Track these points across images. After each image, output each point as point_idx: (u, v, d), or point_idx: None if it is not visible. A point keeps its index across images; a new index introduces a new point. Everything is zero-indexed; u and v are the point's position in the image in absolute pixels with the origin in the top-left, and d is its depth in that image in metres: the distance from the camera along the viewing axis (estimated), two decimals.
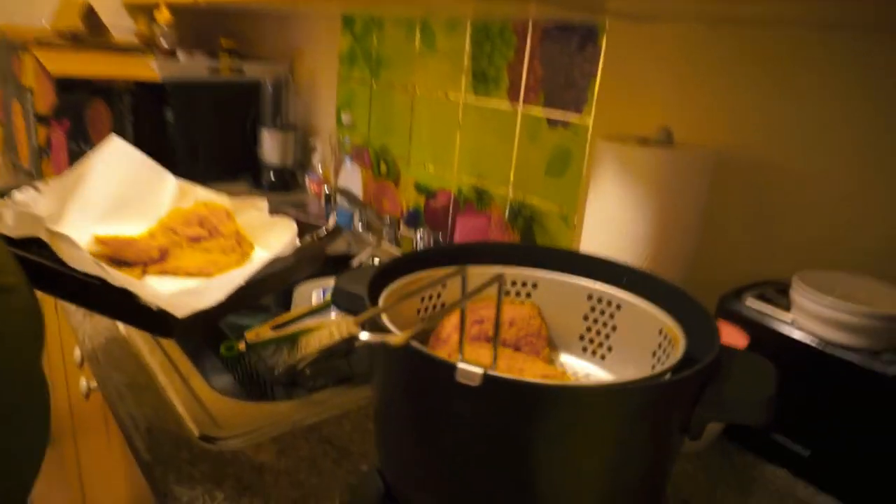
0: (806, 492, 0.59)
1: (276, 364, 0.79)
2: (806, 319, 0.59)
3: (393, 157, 1.29)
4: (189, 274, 0.66)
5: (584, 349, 0.57)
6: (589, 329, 0.56)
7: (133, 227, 0.74)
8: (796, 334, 0.59)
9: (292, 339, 0.79)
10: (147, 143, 1.00)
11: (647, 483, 0.43)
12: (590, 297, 0.56)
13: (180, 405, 0.64)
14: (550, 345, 0.58)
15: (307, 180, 1.43)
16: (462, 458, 0.41)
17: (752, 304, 0.64)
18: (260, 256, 0.69)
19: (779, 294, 0.66)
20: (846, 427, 0.57)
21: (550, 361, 0.57)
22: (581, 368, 0.56)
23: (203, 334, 0.81)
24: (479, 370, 0.37)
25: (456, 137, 1.13)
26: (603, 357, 0.55)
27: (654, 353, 0.50)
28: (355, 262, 1.07)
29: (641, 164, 0.69)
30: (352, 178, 1.33)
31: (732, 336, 0.62)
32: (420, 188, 1.23)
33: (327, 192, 0.97)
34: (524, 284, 0.58)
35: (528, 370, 0.49)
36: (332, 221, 0.76)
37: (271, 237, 0.73)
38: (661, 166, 0.69)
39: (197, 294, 0.60)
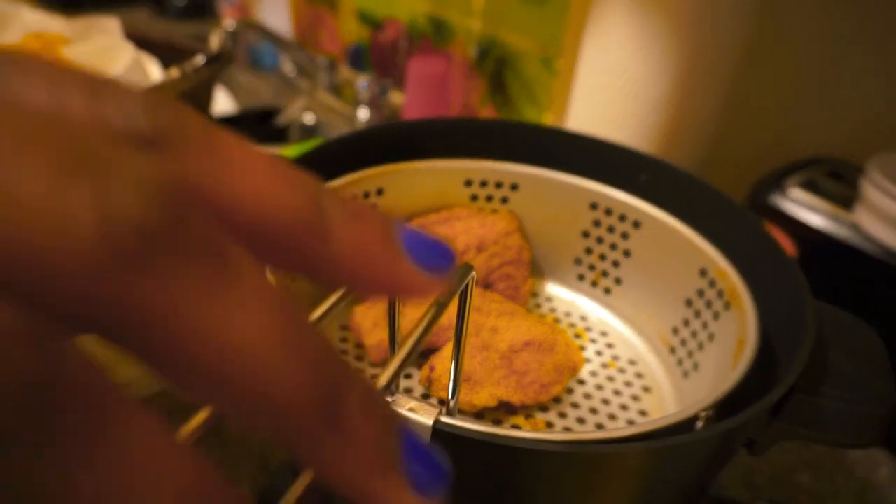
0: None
1: None
2: (879, 224, 0.43)
3: None
4: None
5: (581, 277, 0.41)
6: (590, 251, 0.40)
7: None
8: (862, 243, 0.44)
9: None
10: None
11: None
12: (594, 206, 0.38)
13: None
14: (535, 271, 0.42)
15: (222, 6, 1.14)
16: None
17: (799, 196, 0.48)
18: None
19: (833, 180, 0.50)
20: None
21: (533, 297, 0.41)
22: (576, 308, 0.40)
23: None
24: (427, 420, 0.20)
25: None
26: (608, 291, 0.39)
27: (689, 302, 0.34)
28: (282, 119, 0.86)
29: None
30: (276, 3, 1.05)
31: None
32: (364, 17, 0.98)
33: (230, 28, 0.72)
34: (498, 186, 0.40)
35: (504, 331, 0.33)
36: (214, 42, 0.52)
37: (124, 74, 0.51)
38: None
39: None
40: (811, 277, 0.37)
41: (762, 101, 0.59)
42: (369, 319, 0.34)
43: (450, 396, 0.23)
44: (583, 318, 0.39)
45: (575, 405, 0.33)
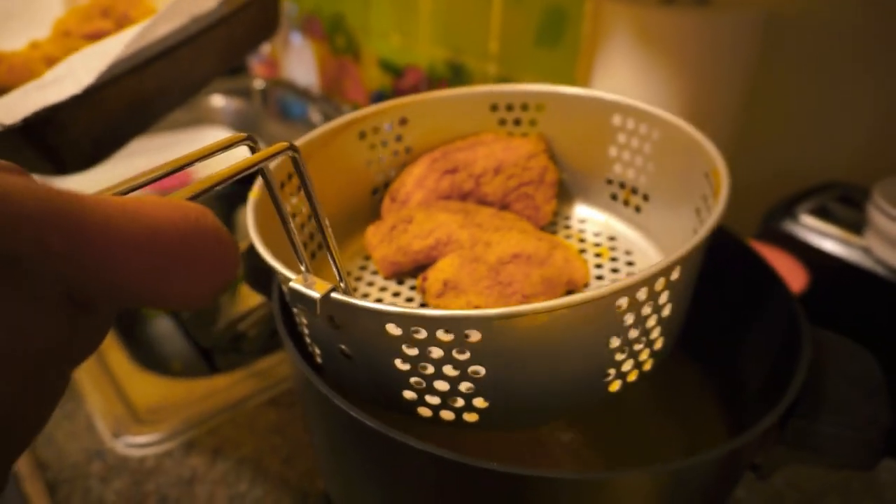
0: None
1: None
2: (889, 249, 0.44)
3: (350, 26, 1.06)
4: None
5: (614, 197, 0.39)
6: (618, 168, 0.38)
7: (13, 41, 0.53)
8: (873, 267, 0.45)
9: None
10: None
11: None
12: (618, 118, 0.37)
13: (95, 391, 0.52)
14: (566, 194, 0.41)
15: (253, 62, 1.21)
16: None
17: (810, 222, 0.49)
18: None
19: (844, 205, 0.51)
20: None
21: (565, 219, 0.40)
22: (607, 228, 0.39)
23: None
24: (314, 293, 0.23)
25: None
26: (638, 209, 0.38)
27: (697, 211, 0.32)
28: None
29: (666, 31, 0.51)
30: (303, 56, 1.11)
31: (787, 271, 0.48)
32: (385, 65, 1.02)
33: (262, 86, 0.77)
34: (525, 108, 0.40)
35: (496, 245, 0.33)
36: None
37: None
38: (693, 34, 0.50)
39: (52, 85, 0.36)
40: (824, 302, 0.38)
41: (770, 131, 0.61)
42: (377, 237, 0.36)
43: (338, 279, 0.25)
44: (611, 238, 0.39)
45: None
